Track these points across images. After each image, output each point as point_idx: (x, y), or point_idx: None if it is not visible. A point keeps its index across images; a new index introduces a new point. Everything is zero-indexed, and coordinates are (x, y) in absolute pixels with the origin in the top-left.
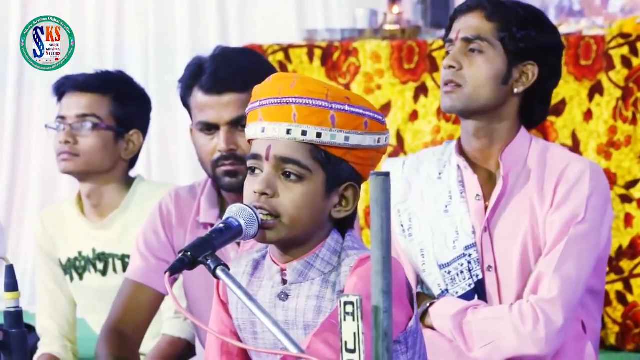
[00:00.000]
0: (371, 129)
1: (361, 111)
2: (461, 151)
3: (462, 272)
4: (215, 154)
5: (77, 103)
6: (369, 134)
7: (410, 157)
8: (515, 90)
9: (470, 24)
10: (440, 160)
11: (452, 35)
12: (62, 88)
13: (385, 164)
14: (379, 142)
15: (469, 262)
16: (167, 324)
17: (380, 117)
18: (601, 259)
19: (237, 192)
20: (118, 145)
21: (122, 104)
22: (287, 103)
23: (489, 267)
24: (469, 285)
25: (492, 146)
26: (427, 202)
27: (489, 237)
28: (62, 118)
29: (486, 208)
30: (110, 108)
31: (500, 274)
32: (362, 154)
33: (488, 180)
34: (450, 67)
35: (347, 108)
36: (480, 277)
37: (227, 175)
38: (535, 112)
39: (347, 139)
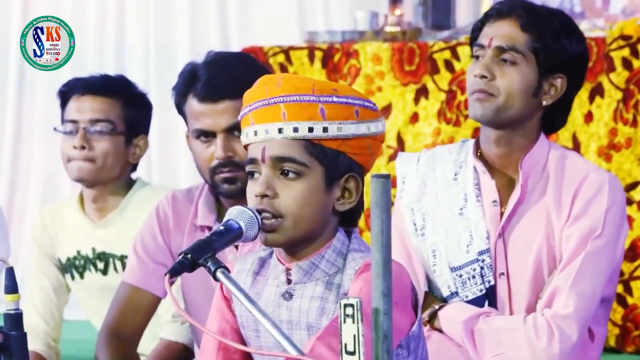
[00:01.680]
0: (363, 117)
1: (350, 100)
2: (478, 154)
3: (473, 276)
4: (213, 161)
5: (90, 107)
6: (362, 122)
7: (425, 154)
8: (544, 103)
9: (505, 32)
10: (457, 160)
11: (484, 41)
12: (72, 91)
13: (399, 160)
14: (373, 129)
15: (482, 268)
16: (165, 328)
17: (371, 105)
18: (615, 269)
19: (236, 198)
20: (127, 150)
21: (131, 108)
22: (276, 103)
23: (502, 273)
24: (480, 290)
25: (512, 153)
26: (441, 203)
27: (503, 244)
28: (73, 122)
29: (502, 214)
30: (122, 113)
31: (513, 281)
32: (358, 144)
33: (506, 186)
34: (483, 77)
35: (335, 99)
36: (492, 283)
37: (226, 182)
38: (557, 120)
39: (339, 129)
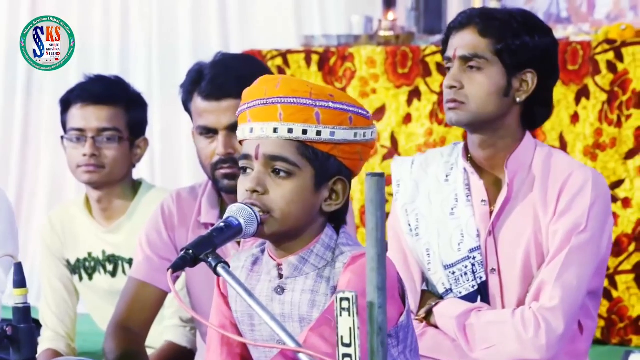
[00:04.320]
0: (356, 124)
1: (345, 107)
2: (468, 156)
3: (466, 273)
4: (215, 157)
5: (96, 115)
6: (354, 129)
7: (419, 158)
8: (518, 100)
9: (466, 41)
10: (448, 162)
11: (450, 53)
12: (75, 100)
13: (394, 163)
14: (364, 136)
15: (473, 265)
16: (170, 331)
17: (365, 112)
18: (602, 262)
19: (236, 193)
20: (131, 153)
21: (133, 114)
22: (273, 103)
23: (493, 269)
24: (473, 286)
25: (498, 154)
26: (434, 204)
27: (493, 241)
28: (79, 130)
29: (491, 213)
30: (126, 119)
31: (504, 276)
32: (349, 149)
33: (494, 186)
34: (452, 87)
35: (330, 105)
36: (484, 279)
37: (226, 177)
38: (538, 114)
39: (332, 134)
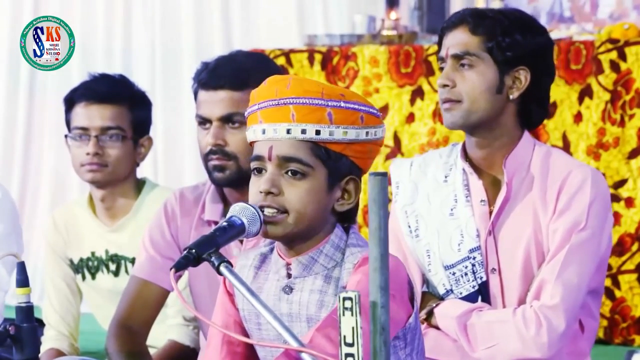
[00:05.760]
0: (367, 123)
1: (356, 106)
2: (466, 156)
3: (466, 273)
4: (207, 147)
5: (99, 115)
6: (366, 128)
7: (418, 159)
8: (511, 97)
9: (457, 40)
10: (447, 163)
11: (443, 53)
12: (79, 98)
13: (393, 165)
14: (375, 135)
15: (474, 265)
16: (173, 330)
17: (375, 111)
18: (602, 260)
19: (226, 186)
20: (135, 152)
21: (137, 112)
22: (285, 104)
23: (493, 269)
24: (473, 286)
25: (495, 154)
26: (433, 204)
27: (493, 241)
28: (83, 129)
29: (491, 212)
30: (130, 118)
31: (504, 276)
32: (361, 148)
33: (493, 185)
34: (445, 85)
35: (342, 104)
36: (484, 279)
37: (215, 169)
38: (534, 113)
39: (345, 134)
